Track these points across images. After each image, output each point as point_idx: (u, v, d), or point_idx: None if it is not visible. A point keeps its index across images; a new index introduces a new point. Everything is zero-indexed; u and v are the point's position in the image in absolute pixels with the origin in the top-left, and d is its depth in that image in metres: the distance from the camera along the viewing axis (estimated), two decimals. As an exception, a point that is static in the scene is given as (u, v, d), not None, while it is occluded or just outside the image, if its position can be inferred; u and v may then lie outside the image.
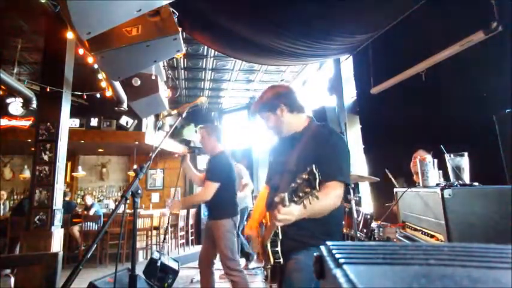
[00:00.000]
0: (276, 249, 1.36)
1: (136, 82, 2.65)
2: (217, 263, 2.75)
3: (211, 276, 2.69)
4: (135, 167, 7.18)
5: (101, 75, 4.50)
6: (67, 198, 6.32)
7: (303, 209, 1.08)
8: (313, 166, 1.01)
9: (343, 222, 3.11)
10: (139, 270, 2.01)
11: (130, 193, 1.41)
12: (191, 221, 7.15)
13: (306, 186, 1.01)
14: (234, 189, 2.79)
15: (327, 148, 1.37)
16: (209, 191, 2.57)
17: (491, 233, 1.40)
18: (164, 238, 4.84)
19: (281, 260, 1.36)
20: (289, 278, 1.36)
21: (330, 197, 1.27)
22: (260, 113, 1.57)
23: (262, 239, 1.51)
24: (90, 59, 4.03)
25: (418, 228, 1.77)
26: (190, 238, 7.00)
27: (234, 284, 2.56)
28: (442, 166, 1.85)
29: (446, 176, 1.85)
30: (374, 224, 2.69)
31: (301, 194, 1.02)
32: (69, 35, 3.98)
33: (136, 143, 6.99)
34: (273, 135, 1.62)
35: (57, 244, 3.79)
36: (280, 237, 1.35)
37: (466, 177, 1.69)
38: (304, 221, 1.26)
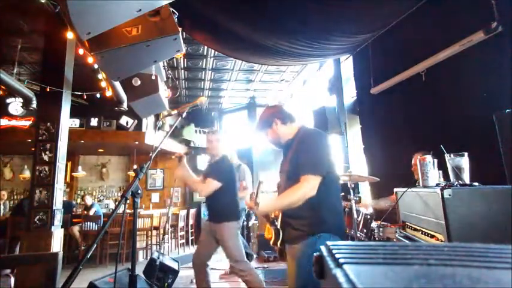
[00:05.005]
0: (278, 236, 1.74)
1: (136, 82, 2.65)
2: (214, 263, 2.75)
3: (206, 275, 2.70)
4: (135, 167, 7.19)
5: (101, 75, 4.50)
6: (65, 198, 6.32)
7: (271, 204, 1.68)
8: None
9: (344, 220, 3.11)
10: (139, 270, 2.01)
11: (130, 193, 1.41)
12: (191, 221, 7.16)
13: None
14: (236, 191, 2.80)
15: (303, 146, 1.66)
16: (209, 187, 2.57)
17: (491, 233, 1.40)
18: (163, 238, 4.83)
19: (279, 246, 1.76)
20: (291, 264, 1.62)
21: (301, 189, 1.54)
22: (261, 131, 1.88)
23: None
24: (90, 59, 4.03)
25: (418, 228, 1.77)
26: (190, 238, 7.00)
27: (248, 283, 2.57)
28: (442, 166, 1.85)
29: (446, 176, 1.85)
30: (374, 224, 2.68)
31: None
32: (69, 35, 3.98)
33: (136, 143, 6.98)
34: (275, 146, 1.90)
35: (57, 244, 3.79)
36: (278, 226, 1.73)
37: (466, 177, 1.69)
38: (300, 211, 1.57)
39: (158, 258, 3.28)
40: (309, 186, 1.53)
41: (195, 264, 2.72)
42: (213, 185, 2.57)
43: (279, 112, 1.85)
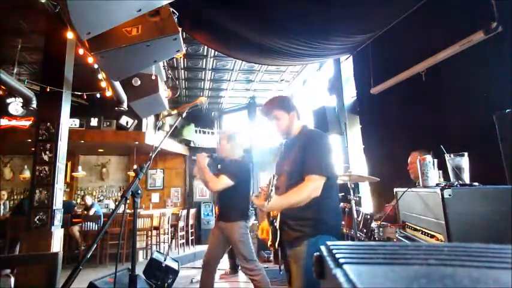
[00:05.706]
0: (276, 236, 1.71)
1: (136, 82, 2.65)
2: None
3: (213, 277, 2.69)
4: (135, 167, 7.19)
5: (101, 75, 4.49)
6: (64, 198, 6.31)
7: (278, 202, 1.52)
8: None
9: (343, 222, 3.12)
10: (139, 270, 2.01)
11: (130, 193, 1.41)
12: (191, 221, 7.15)
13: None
14: (249, 192, 2.79)
15: (307, 148, 1.65)
16: (221, 184, 2.55)
17: (491, 233, 1.40)
18: (173, 238, 4.79)
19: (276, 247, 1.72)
20: (295, 267, 1.60)
21: (307, 188, 1.55)
22: (277, 109, 1.79)
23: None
24: (90, 59, 4.03)
25: (418, 228, 1.77)
26: (190, 238, 7.00)
27: (257, 283, 2.56)
28: (442, 166, 1.85)
29: (446, 176, 1.85)
30: (374, 224, 2.68)
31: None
32: (69, 35, 3.98)
33: (136, 143, 6.99)
34: (281, 135, 1.84)
35: (57, 244, 3.79)
36: (277, 226, 1.69)
37: (466, 177, 1.69)
38: (301, 212, 1.56)
39: (165, 260, 3.28)
40: (314, 186, 1.54)
41: (205, 266, 2.67)
42: (224, 181, 2.55)
43: (295, 106, 1.84)
